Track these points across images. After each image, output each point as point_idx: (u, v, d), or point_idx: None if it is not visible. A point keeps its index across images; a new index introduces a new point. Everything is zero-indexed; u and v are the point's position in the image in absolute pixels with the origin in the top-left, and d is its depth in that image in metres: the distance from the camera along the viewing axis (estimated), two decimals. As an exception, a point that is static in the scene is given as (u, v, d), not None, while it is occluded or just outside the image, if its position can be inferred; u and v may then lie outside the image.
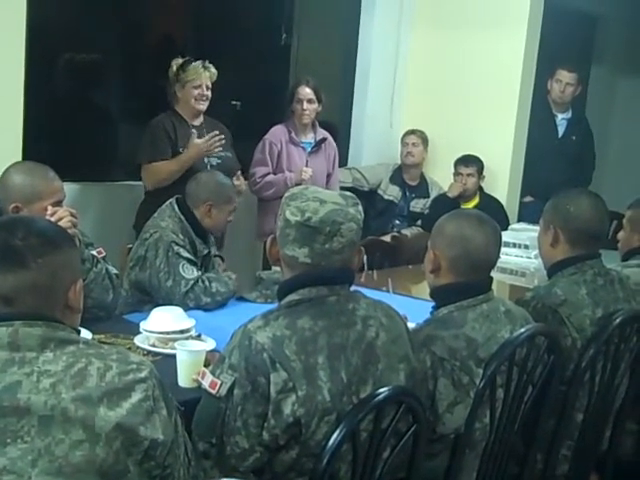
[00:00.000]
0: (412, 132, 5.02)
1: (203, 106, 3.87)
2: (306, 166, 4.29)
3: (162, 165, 3.75)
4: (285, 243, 1.79)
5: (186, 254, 2.98)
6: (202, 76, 3.82)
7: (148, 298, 2.99)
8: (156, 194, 3.71)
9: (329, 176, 4.49)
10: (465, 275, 2.09)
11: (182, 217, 3.05)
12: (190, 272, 2.93)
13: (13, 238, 1.42)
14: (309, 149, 4.39)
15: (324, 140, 4.45)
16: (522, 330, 2.01)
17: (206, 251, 3.13)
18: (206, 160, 3.86)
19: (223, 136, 3.81)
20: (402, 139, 5.04)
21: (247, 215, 4.11)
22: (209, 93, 3.86)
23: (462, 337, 2.02)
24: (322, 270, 1.77)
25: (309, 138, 4.42)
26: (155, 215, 3.11)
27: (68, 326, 1.45)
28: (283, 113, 4.73)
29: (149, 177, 3.80)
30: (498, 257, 2.15)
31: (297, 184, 4.06)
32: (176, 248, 2.96)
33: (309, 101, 4.28)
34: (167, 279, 2.92)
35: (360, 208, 1.84)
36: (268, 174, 4.26)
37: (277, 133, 4.33)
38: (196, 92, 3.82)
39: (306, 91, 4.27)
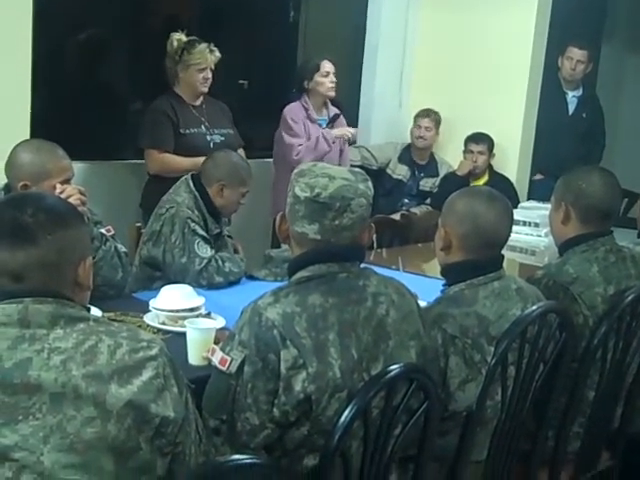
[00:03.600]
0: (427, 115, 4.93)
1: (206, 88, 3.88)
2: (332, 143, 4.29)
3: (174, 160, 3.75)
4: (295, 219, 1.78)
5: (201, 231, 2.97)
6: (208, 60, 3.80)
7: (158, 274, 2.99)
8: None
9: (341, 152, 4.49)
10: (476, 252, 2.08)
11: (197, 194, 3.04)
12: (204, 250, 2.92)
13: (22, 214, 1.41)
14: (324, 125, 4.40)
15: (337, 116, 4.46)
16: (534, 308, 2.00)
17: (217, 230, 3.12)
18: (209, 138, 3.87)
19: None
20: (415, 119, 4.97)
21: (258, 193, 4.09)
22: (211, 75, 3.86)
23: (473, 315, 2.01)
24: (332, 246, 1.77)
25: (323, 115, 4.43)
26: (171, 190, 3.10)
27: (78, 303, 1.45)
28: (290, 91, 4.71)
29: (155, 164, 3.80)
30: (509, 234, 2.14)
31: (337, 137, 4.20)
32: (192, 225, 2.95)
33: (334, 74, 4.32)
34: (182, 256, 2.92)
35: (370, 184, 1.83)
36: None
37: (295, 110, 4.32)
38: (200, 75, 3.82)
39: (331, 65, 4.31)
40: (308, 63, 4.40)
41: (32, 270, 1.40)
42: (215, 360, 1.72)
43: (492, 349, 1.95)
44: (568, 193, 2.42)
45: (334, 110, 4.46)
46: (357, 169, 1.88)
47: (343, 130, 4.34)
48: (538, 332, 1.99)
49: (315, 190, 1.73)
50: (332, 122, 4.42)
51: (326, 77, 4.30)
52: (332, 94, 4.36)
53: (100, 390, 1.33)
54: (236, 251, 3.30)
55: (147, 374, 1.39)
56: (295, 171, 1.82)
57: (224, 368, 1.69)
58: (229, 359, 1.69)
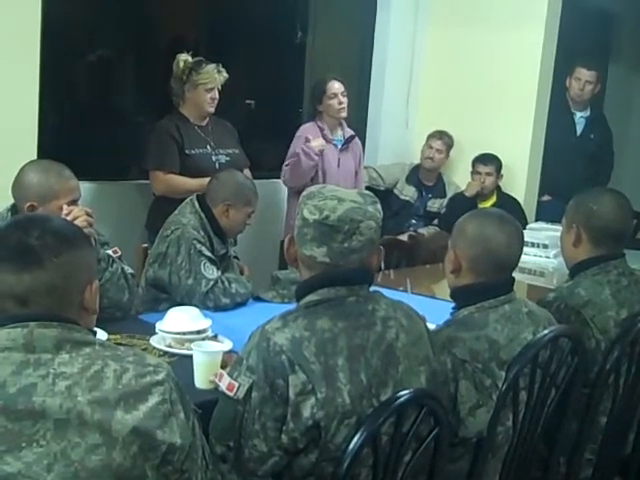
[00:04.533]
0: (440, 137, 4.92)
1: (213, 109, 3.88)
2: (337, 165, 4.27)
3: (180, 181, 3.73)
4: (303, 242, 1.76)
5: (207, 252, 2.95)
6: (216, 80, 3.81)
7: (165, 296, 2.97)
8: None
9: (356, 174, 4.46)
10: (486, 275, 2.06)
11: (202, 215, 3.03)
12: (211, 272, 2.90)
13: (28, 237, 1.39)
14: (339, 146, 4.37)
15: (353, 137, 4.43)
16: (545, 332, 1.97)
17: (223, 251, 3.10)
18: (214, 158, 3.86)
19: None
20: (428, 138, 4.96)
21: (265, 214, 4.07)
22: (218, 96, 3.87)
23: (484, 339, 1.98)
24: (341, 270, 1.74)
25: (339, 135, 4.40)
26: (176, 212, 3.09)
27: (84, 327, 1.42)
28: (298, 111, 4.70)
29: (161, 185, 3.78)
30: (520, 257, 2.12)
31: (320, 151, 4.07)
32: (198, 246, 2.93)
33: (342, 94, 4.28)
34: (188, 277, 2.90)
35: (379, 206, 1.81)
36: None
37: (310, 131, 4.27)
38: (208, 96, 3.81)
39: (338, 85, 4.27)
40: (317, 85, 4.36)
41: (38, 294, 1.37)
42: (222, 385, 1.69)
43: (503, 374, 1.92)
44: (579, 215, 2.39)
45: (350, 132, 4.43)
46: (366, 191, 1.87)
47: (319, 140, 4.19)
48: (550, 356, 1.96)
49: (324, 213, 1.72)
50: (347, 143, 4.39)
51: (334, 99, 4.27)
52: (343, 115, 4.32)
53: (105, 416, 1.31)
54: (242, 273, 3.28)
55: (153, 400, 1.36)
56: (303, 193, 1.81)
57: (231, 394, 1.66)
58: (237, 384, 1.66)
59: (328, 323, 1.68)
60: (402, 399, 1.62)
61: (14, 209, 2.54)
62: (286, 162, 4.25)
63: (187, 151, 3.80)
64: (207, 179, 3.27)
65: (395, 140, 5.26)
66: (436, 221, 4.88)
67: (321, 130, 4.29)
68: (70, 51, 4.02)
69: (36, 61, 3.37)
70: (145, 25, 4.47)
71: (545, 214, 4.84)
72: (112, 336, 2.35)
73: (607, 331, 2.25)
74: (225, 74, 3.85)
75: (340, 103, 4.27)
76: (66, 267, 1.40)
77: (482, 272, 2.05)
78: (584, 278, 2.34)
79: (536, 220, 4.82)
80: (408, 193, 4.93)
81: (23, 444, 1.28)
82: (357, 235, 1.72)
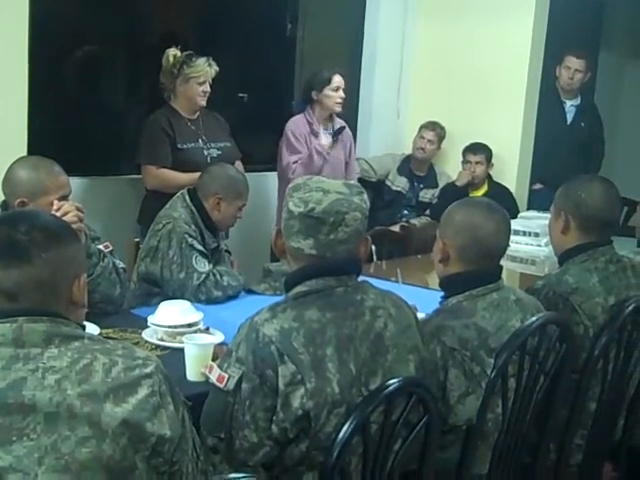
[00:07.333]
0: (432, 128, 4.93)
1: (204, 102, 3.88)
2: (326, 155, 4.26)
3: (172, 176, 3.73)
4: (290, 235, 1.77)
5: (199, 246, 2.96)
6: (207, 73, 3.81)
7: (157, 290, 2.98)
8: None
9: (347, 164, 4.45)
10: (474, 264, 2.07)
11: (193, 208, 3.03)
12: (202, 265, 2.91)
13: (16, 232, 1.40)
14: (329, 139, 4.35)
15: (342, 129, 4.42)
16: (533, 319, 1.99)
17: (215, 244, 3.11)
18: (206, 152, 3.86)
19: None
20: (420, 129, 4.97)
21: (257, 207, 4.08)
22: (209, 89, 3.87)
23: (472, 327, 2.00)
24: (329, 261, 1.76)
25: (328, 128, 4.38)
26: (167, 206, 3.10)
27: (73, 321, 1.43)
28: (290, 104, 4.69)
29: (153, 180, 3.78)
30: (507, 245, 2.13)
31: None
32: (190, 240, 2.94)
33: (343, 90, 4.29)
34: (180, 271, 2.91)
35: (365, 197, 1.82)
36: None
37: (299, 124, 4.27)
38: (200, 89, 3.82)
39: (341, 79, 4.27)
40: (319, 74, 4.31)
41: (26, 289, 1.38)
42: (213, 377, 1.70)
43: (492, 361, 1.94)
44: (568, 202, 2.41)
45: (340, 123, 4.42)
46: (352, 182, 1.88)
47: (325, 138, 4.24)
48: (538, 343, 1.98)
49: (309, 205, 1.73)
50: (337, 135, 4.37)
51: (336, 92, 4.25)
52: (338, 109, 4.31)
53: (95, 409, 1.32)
54: (232, 267, 3.29)
55: (143, 392, 1.38)
56: (290, 185, 1.82)
57: (222, 385, 1.68)
58: (226, 376, 1.68)
59: (317, 314, 1.70)
60: (391, 388, 1.64)
61: (4, 205, 2.55)
62: (294, 159, 4.20)
63: (179, 145, 3.80)
64: (199, 174, 3.27)
65: (386, 131, 5.27)
66: (428, 211, 4.89)
67: (310, 124, 4.27)
68: (59, 47, 4.00)
69: (24, 56, 3.36)
70: (134, 20, 4.46)
71: (536, 203, 4.86)
72: (104, 330, 2.36)
73: (595, 317, 2.26)
74: (216, 67, 3.86)
75: (340, 97, 4.26)
76: (54, 262, 1.41)
77: (470, 261, 2.07)
78: (572, 265, 2.36)
79: (527, 209, 4.84)
80: (400, 184, 4.94)
81: (14, 438, 1.29)
82: (343, 227, 1.73)
